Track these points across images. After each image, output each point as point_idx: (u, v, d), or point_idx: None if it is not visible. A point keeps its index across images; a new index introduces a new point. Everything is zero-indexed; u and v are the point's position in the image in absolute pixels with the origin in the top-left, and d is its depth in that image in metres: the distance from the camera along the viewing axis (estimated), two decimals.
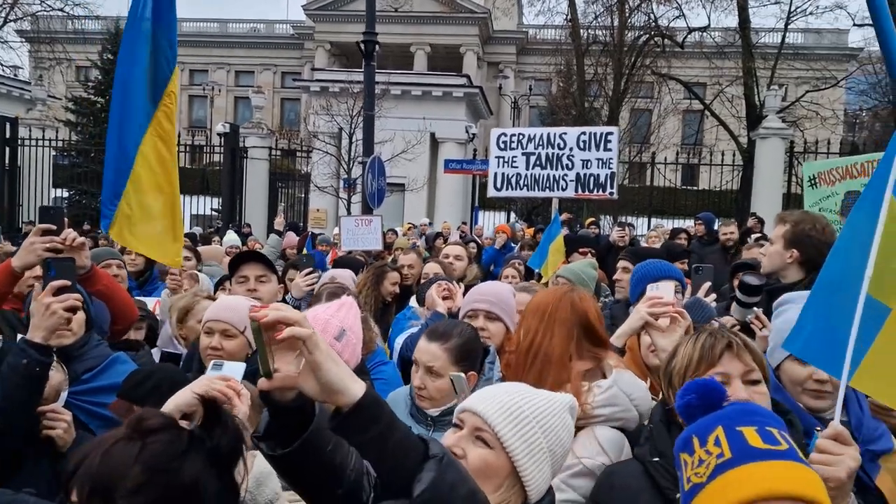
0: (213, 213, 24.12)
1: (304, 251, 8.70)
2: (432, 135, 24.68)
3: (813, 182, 7.84)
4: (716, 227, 9.86)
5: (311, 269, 4.95)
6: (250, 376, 2.06)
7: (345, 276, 5.04)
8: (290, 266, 6.07)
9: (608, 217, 21.33)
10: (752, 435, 1.38)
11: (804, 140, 23.01)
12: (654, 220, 19.43)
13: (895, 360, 1.83)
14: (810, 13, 28.80)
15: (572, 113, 27.03)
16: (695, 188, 28.62)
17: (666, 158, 25.25)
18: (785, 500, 1.29)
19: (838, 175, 7.74)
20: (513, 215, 23.97)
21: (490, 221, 20.26)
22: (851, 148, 26.66)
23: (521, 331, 2.64)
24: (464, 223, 18.33)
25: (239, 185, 20.76)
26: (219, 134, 21.53)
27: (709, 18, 28.99)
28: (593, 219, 13.57)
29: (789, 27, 28.39)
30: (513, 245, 10.44)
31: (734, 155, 22.66)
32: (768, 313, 3.01)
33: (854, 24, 30.45)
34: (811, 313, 2.06)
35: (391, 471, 1.37)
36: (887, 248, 1.85)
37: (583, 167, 7.53)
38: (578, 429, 2.26)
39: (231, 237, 10.80)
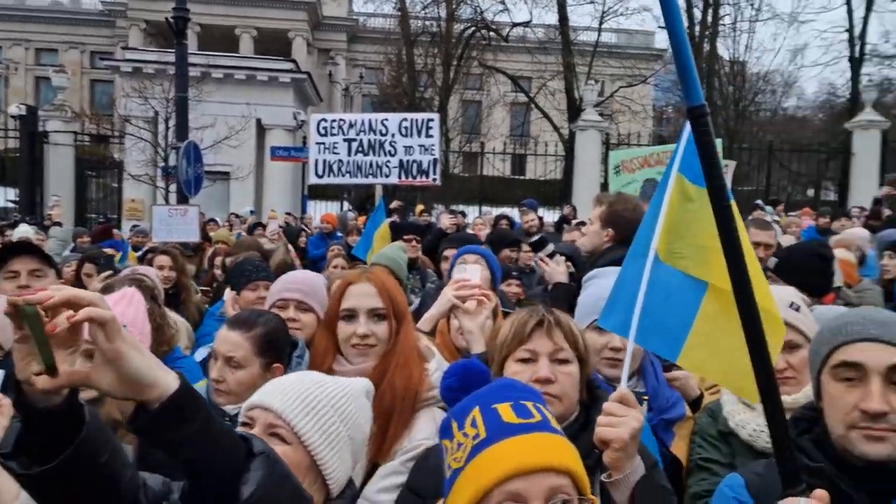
0: (10, 204, 21.66)
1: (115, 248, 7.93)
2: (258, 121, 23.78)
3: (617, 170, 8.43)
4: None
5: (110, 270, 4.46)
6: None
7: (150, 272, 4.58)
8: (85, 259, 5.47)
9: (440, 206, 21.63)
10: (506, 411, 1.33)
11: (618, 132, 24.74)
12: (484, 208, 19.94)
13: (715, 336, 1.87)
14: (621, 14, 30.95)
15: (404, 102, 27.12)
16: (523, 177, 29.84)
17: (494, 148, 26.07)
18: (538, 473, 1.25)
19: (638, 164, 8.39)
20: (346, 204, 23.65)
21: (321, 211, 19.81)
22: (659, 140, 29.04)
23: None
24: (288, 213, 17.74)
25: (39, 174, 18.75)
26: (13, 116, 19.31)
27: (530, 14, 30.21)
28: (423, 207, 13.62)
29: (603, 27, 30.32)
30: (339, 235, 10.21)
31: (556, 146, 23.86)
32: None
33: (659, 27, 33.17)
34: (617, 286, 2.10)
35: (212, 472, 1.18)
36: (679, 219, 1.91)
37: (405, 153, 7.46)
38: (418, 411, 2.29)
39: (23, 230, 9.65)
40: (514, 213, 11.55)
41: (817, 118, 39.07)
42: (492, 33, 29.00)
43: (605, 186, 20.94)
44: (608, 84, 35.03)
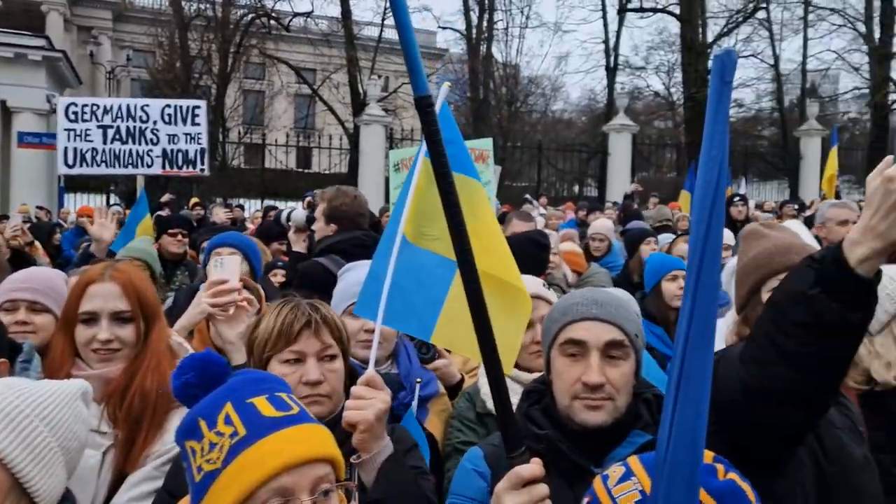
0: None
1: None
2: (3, 103, 20.99)
3: (397, 167, 8.61)
4: None
5: None
6: None
7: None
8: None
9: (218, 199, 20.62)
10: (264, 405, 1.29)
11: (402, 128, 25.27)
12: (267, 202, 19.34)
13: (467, 312, 1.93)
14: None
15: (177, 88, 25.41)
16: (308, 171, 29.35)
17: (277, 140, 25.39)
18: (304, 466, 1.24)
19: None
20: (112, 197, 21.66)
21: (82, 204, 17.91)
22: None
23: None
24: (40, 207, 15.86)
25: None
26: None
27: (312, 5, 29.78)
28: (198, 200, 12.87)
29: (386, 23, 30.70)
30: None
31: (341, 139, 23.79)
32: None
33: (439, 27, 34.34)
34: (370, 272, 2.12)
35: None
36: (427, 202, 1.97)
37: (169, 142, 6.95)
38: (170, 412, 2.15)
39: None
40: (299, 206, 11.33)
41: (581, 121, 42.86)
42: (272, 21, 28.13)
43: (387, 181, 21.35)
44: (392, 80, 35.62)
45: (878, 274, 1.41)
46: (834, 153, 15.72)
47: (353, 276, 2.68)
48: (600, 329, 1.84)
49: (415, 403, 2.42)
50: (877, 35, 31.67)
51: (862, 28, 32.96)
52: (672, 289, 3.99)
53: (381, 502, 1.79)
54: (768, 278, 2.08)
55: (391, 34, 35.70)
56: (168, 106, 7.06)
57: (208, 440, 1.26)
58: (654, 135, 32.78)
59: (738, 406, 1.74)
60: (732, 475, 1.46)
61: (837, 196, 13.96)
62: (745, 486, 1.44)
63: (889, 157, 1.36)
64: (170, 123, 6.92)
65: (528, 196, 16.33)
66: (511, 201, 17.11)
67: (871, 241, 1.35)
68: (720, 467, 1.48)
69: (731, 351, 1.91)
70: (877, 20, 31.70)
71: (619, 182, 23.14)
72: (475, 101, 30.99)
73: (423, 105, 1.46)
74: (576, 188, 32.09)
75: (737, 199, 12.30)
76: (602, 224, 7.07)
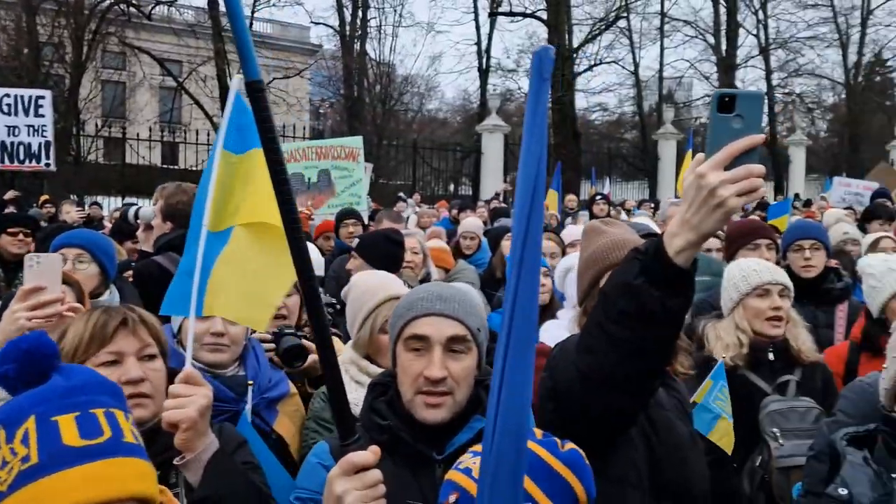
0: None
1: None
2: None
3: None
4: None
5: None
6: None
7: None
8: None
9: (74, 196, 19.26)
10: (68, 428, 1.13)
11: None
12: (128, 199, 18.29)
13: (237, 273, 1.97)
14: (273, 4, 30.76)
15: (24, 77, 23.48)
16: (175, 167, 27.96)
17: (139, 134, 24.06)
18: None
19: (285, 158, 8.44)
20: None
21: None
22: (317, 134, 29.56)
23: None
24: None
25: None
26: None
27: None
28: (48, 197, 11.93)
29: (256, 16, 29.82)
30: None
31: (209, 134, 22.85)
32: None
33: (312, 22, 33.77)
34: (179, 270, 2.10)
35: None
36: (226, 187, 2.01)
37: (8, 134, 6.36)
38: None
39: None
40: None
41: (456, 120, 43.52)
42: (132, 9, 26.55)
43: None
44: (263, 74, 34.61)
45: (695, 263, 1.51)
46: (689, 156, 16.87)
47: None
48: (443, 324, 1.88)
49: (248, 407, 2.37)
50: (724, 47, 34.32)
51: (711, 40, 35.59)
52: None
53: (208, 500, 1.74)
54: (605, 272, 2.20)
55: (262, 27, 34.82)
56: (7, 95, 6.44)
57: (2, 455, 1.11)
58: None
59: (574, 393, 1.83)
60: (571, 445, 1.60)
61: None
62: (583, 454, 1.59)
63: (700, 155, 1.43)
64: (9, 114, 6.33)
65: (401, 194, 16.41)
66: (386, 199, 17.13)
67: (687, 234, 1.43)
68: (558, 440, 1.60)
69: (569, 341, 2.00)
70: (724, 33, 34.35)
71: (493, 181, 23.72)
72: (349, 98, 30.75)
73: (254, 90, 1.45)
74: (451, 187, 32.58)
75: (599, 198, 12.97)
76: (471, 222, 7.23)
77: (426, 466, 1.85)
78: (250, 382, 2.41)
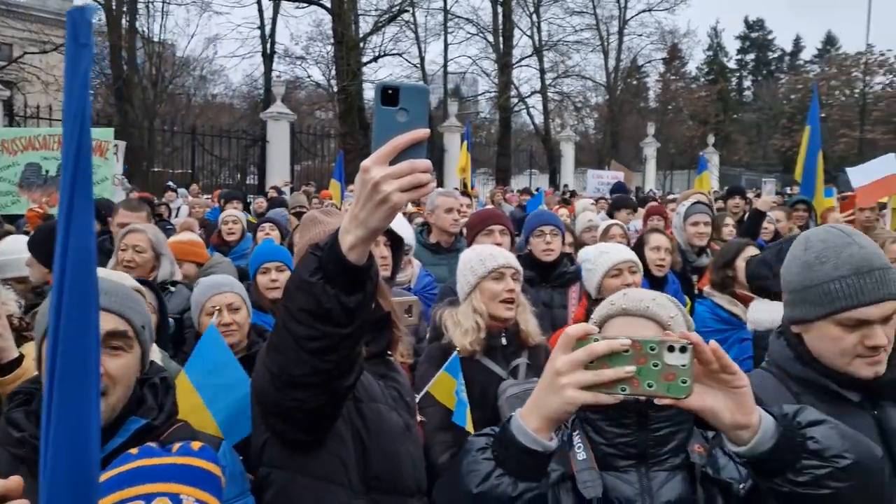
0: None
1: None
2: None
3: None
4: None
5: None
6: None
7: None
8: None
9: None
10: None
11: (26, 103, 21.93)
12: None
13: None
14: None
15: None
16: None
17: None
18: None
19: (21, 145, 7.51)
20: None
21: None
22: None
23: None
24: None
25: None
26: None
27: None
28: None
29: None
30: None
31: None
32: None
33: None
34: None
35: None
36: None
37: None
38: None
39: None
40: None
41: (242, 106, 41.65)
42: None
43: None
44: (16, 49, 30.70)
45: (370, 259, 1.48)
46: (464, 148, 17.60)
47: None
48: (102, 319, 1.72)
49: None
50: (502, 46, 36.33)
51: (491, 38, 37.47)
52: (263, 281, 3.92)
53: None
54: None
55: None
56: None
57: None
58: (317, 125, 33.25)
59: (268, 393, 1.75)
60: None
61: (465, 187, 15.64)
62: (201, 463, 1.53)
63: (381, 150, 1.37)
64: None
65: (170, 183, 15.35)
66: (159, 189, 15.94)
67: (356, 230, 1.39)
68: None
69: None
70: (501, 32, 36.34)
71: (279, 170, 23.07)
72: (118, 78, 28.20)
73: None
74: (238, 176, 31.18)
75: None
76: (230, 214, 6.92)
77: None
78: None
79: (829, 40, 57.67)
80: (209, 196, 14.63)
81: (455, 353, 3.02)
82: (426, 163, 1.32)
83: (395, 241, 2.62)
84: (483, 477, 1.38)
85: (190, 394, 2.41)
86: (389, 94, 1.31)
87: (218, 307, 3.23)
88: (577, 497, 1.66)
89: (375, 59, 34.00)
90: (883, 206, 6.51)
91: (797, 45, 59.99)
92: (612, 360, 1.24)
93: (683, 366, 1.21)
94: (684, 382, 1.21)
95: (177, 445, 1.50)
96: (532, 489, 1.37)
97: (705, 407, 1.28)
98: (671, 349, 1.21)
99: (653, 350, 1.21)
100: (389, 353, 2.35)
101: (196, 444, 1.52)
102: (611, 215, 8.24)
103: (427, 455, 2.67)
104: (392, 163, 1.31)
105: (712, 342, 1.28)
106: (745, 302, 3.97)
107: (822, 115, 41.74)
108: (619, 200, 8.86)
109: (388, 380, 2.26)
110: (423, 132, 1.31)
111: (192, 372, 2.50)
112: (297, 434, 1.87)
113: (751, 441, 1.30)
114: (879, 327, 1.83)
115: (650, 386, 1.21)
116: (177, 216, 11.05)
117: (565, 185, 27.18)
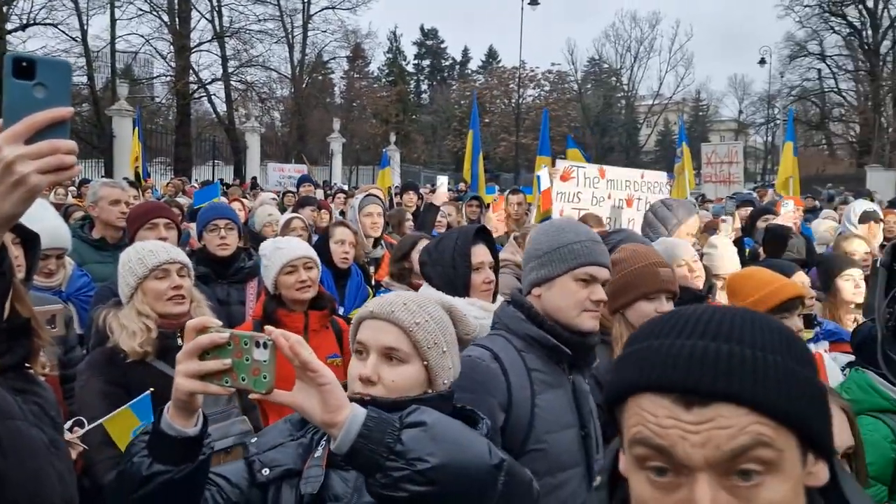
0: None
1: None
2: None
3: None
4: None
5: None
6: None
7: None
8: None
9: None
10: None
11: None
12: None
13: None
14: None
15: None
16: None
17: None
18: None
19: None
20: None
21: None
22: None
23: None
24: None
25: None
26: None
27: None
28: None
29: None
30: None
31: None
32: None
33: None
34: None
35: None
36: None
37: None
38: None
39: None
40: None
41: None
42: None
43: None
44: None
45: (3, 250, 1.38)
46: (135, 134, 16.29)
47: None
48: None
49: None
50: (178, 26, 34.12)
51: (167, 18, 34.96)
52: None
53: None
54: None
55: None
56: None
57: None
58: None
59: None
60: None
61: (138, 177, 14.44)
62: None
63: (15, 127, 1.20)
64: None
65: None
66: None
67: None
68: None
69: None
70: (177, 13, 34.13)
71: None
72: None
73: None
74: None
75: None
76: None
77: None
78: None
79: (492, 54, 64.62)
80: None
81: (148, 392, 2.69)
82: (71, 144, 1.23)
83: (29, 239, 2.27)
84: (127, 456, 1.42)
85: None
86: (24, 67, 1.20)
87: None
88: (298, 493, 1.65)
89: (23, 27, 29.61)
90: (530, 204, 7.53)
91: (465, 56, 66.06)
92: (219, 353, 1.31)
93: (265, 361, 1.28)
94: (265, 378, 1.28)
95: None
96: (164, 472, 1.38)
97: (295, 403, 1.33)
98: (258, 345, 1.29)
99: (246, 345, 1.29)
100: (28, 365, 2.04)
101: None
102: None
103: (91, 474, 2.59)
104: (28, 142, 1.20)
105: (294, 339, 1.31)
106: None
107: (486, 120, 47.00)
108: (305, 200, 8.99)
109: (27, 394, 1.96)
110: (66, 110, 1.22)
111: None
112: None
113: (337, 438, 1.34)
114: (600, 286, 2.31)
115: (244, 380, 1.30)
116: None
117: (253, 178, 26.49)
